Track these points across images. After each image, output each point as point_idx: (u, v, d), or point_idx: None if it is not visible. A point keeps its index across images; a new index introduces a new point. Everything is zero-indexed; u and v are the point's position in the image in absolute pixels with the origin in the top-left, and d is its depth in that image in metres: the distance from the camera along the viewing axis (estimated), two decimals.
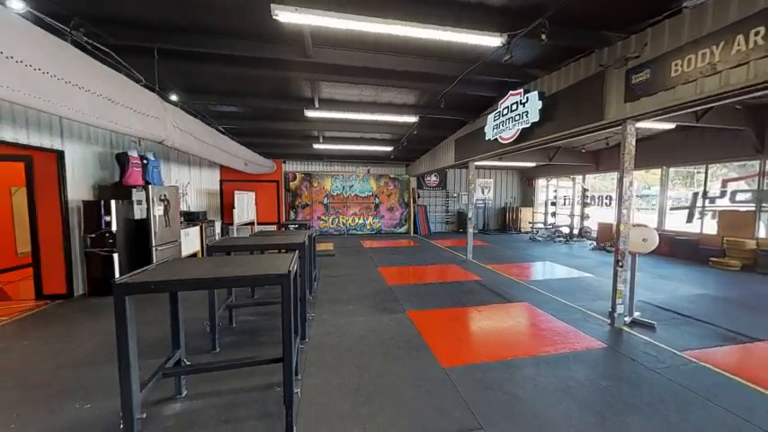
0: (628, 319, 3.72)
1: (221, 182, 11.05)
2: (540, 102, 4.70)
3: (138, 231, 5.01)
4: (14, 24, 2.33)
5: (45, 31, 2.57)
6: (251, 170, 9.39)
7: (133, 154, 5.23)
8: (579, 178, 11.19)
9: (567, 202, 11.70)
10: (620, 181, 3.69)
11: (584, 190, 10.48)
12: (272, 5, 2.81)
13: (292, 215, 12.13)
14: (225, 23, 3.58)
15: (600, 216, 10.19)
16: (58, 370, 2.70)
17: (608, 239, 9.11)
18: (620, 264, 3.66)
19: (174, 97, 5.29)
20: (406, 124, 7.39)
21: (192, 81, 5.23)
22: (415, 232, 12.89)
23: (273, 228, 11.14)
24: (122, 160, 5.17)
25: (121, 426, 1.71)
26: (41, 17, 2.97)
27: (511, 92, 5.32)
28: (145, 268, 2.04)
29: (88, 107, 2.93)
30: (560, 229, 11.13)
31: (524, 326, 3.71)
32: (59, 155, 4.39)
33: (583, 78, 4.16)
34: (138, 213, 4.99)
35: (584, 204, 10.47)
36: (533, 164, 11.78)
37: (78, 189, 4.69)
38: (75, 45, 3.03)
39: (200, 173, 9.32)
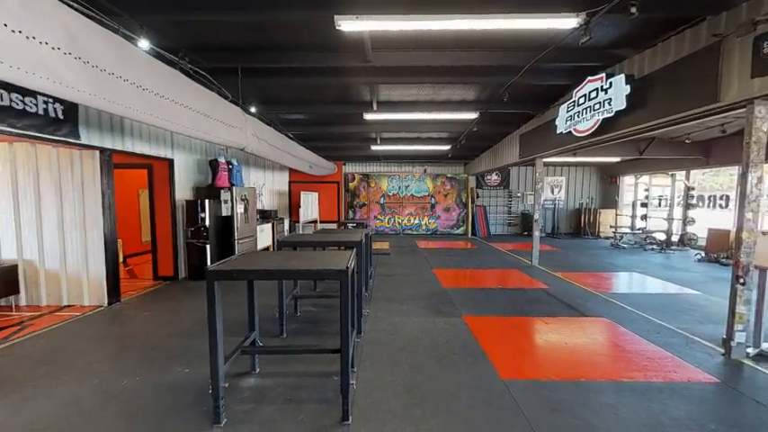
0: (751, 351, 2.96)
1: (290, 183, 12.19)
2: (628, 86, 4.03)
3: (225, 226, 5.84)
4: (142, 59, 2.93)
5: (161, 62, 3.17)
6: (315, 172, 10.14)
7: (222, 160, 6.12)
8: (681, 174, 9.30)
9: (663, 202, 9.84)
10: (744, 177, 2.94)
11: (689, 189, 8.67)
12: (335, 17, 2.99)
13: (350, 214, 12.72)
14: (296, 39, 3.93)
15: (710, 220, 8.32)
16: (168, 337, 3.32)
17: (722, 249, 7.37)
18: (742, 281, 2.93)
19: (252, 109, 6.02)
20: (465, 121, 7.10)
21: (267, 93, 5.88)
22: (473, 234, 12.32)
23: (334, 226, 11.85)
24: (213, 165, 6.09)
25: (210, 391, 2.02)
26: (160, 52, 3.68)
27: (589, 78, 4.69)
28: (228, 258, 2.37)
29: (190, 122, 3.53)
30: (653, 235, 9.42)
31: (602, 344, 3.25)
32: (170, 162, 5.38)
33: (688, 54, 3.44)
34: (225, 211, 5.82)
35: (688, 206, 8.67)
36: (617, 158, 10.17)
37: (182, 190, 5.68)
38: (182, 71, 3.68)
39: (272, 175, 10.43)
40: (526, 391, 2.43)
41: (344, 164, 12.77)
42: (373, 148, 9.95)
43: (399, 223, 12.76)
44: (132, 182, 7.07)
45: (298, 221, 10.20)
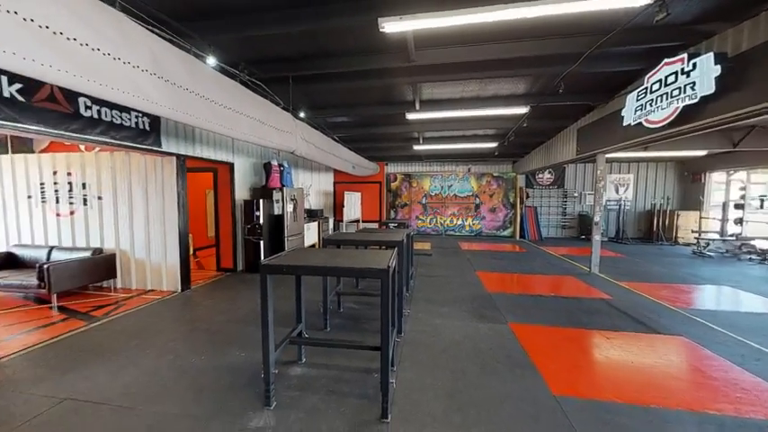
0: None
1: (334, 184, 12.69)
2: (719, 66, 3.43)
3: (276, 224, 6.30)
4: (209, 75, 3.29)
5: (224, 76, 3.53)
6: (358, 172, 10.41)
7: (274, 163, 6.60)
8: None
9: (766, 204, 8.16)
10: None
11: None
12: (378, 20, 3.04)
13: (392, 214, 12.80)
14: (342, 45, 4.07)
15: None
16: (227, 323, 3.69)
17: None
18: None
19: (301, 114, 6.40)
20: (513, 117, 6.69)
21: (314, 99, 6.19)
22: (522, 236, 11.55)
23: (375, 225, 12.05)
24: (267, 168, 6.61)
25: (262, 375, 2.20)
26: (224, 66, 4.11)
27: (666, 60, 4.08)
28: (279, 254, 2.55)
29: (248, 129, 3.88)
30: (751, 242, 7.87)
31: (679, 368, 2.81)
32: (231, 166, 5.97)
33: None
34: (277, 210, 6.28)
35: None
36: (703, 152, 8.69)
37: (240, 191, 6.26)
38: (241, 83, 4.06)
39: (318, 177, 10.97)
40: (582, 410, 2.21)
41: (387, 164, 12.89)
42: (416, 147, 9.88)
43: (442, 224, 12.49)
44: (201, 183, 7.99)
45: (341, 220, 10.59)
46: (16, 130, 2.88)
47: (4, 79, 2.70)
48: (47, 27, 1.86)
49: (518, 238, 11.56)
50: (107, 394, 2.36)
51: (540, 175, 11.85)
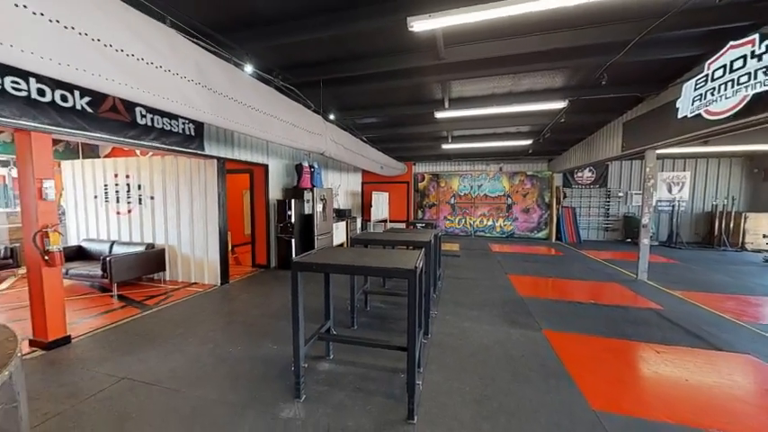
0: None
1: (362, 184, 12.86)
2: None
3: (307, 223, 6.52)
4: (247, 82, 3.49)
5: (260, 82, 3.72)
6: (386, 173, 10.46)
7: (305, 164, 6.84)
8: None
9: None
10: None
11: None
12: (407, 19, 3.02)
13: (419, 214, 12.69)
14: (372, 46, 4.11)
15: None
16: (261, 317, 3.89)
17: None
18: None
19: (331, 116, 6.56)
20: (550, 112, 6.33)
21: (344, 100, 6.31)
22: (559, 239, 10.89)
23: (402, 225, 12.02)
24: (298, 169, 6.86)
25: (292, 368, 2.29)
26: (259, 73, 4.33)
27: (732, 43, 3.63)
28: (309, 252, 2.64)
29: (282, 132, 4.05)
30: None
31: (745, 389, 2.49)
32: (266, 168, 6.28)
33: None
34: (307, 209, 6.49)
35: None
36: None
37: (274, 191, 6.56)
38: (276, 88, 4.25)
39: (347, 177, 11.18)
40: (626, 428, 2.04)
41: (414, 164, 12.81)
42: (444, 146, 9.71)
43: (471, 224, 12.15)
44: (238, 184, 8.49)
45: (369, 220, 10.70)
46: (86, 138, 3.27)
47: (77, 93, 3.07)
48: (110, 45, 2.09)
49: (554, 240, 10.92)
50: (157, 376, 2.59)
51: (580, 174, 11.09)
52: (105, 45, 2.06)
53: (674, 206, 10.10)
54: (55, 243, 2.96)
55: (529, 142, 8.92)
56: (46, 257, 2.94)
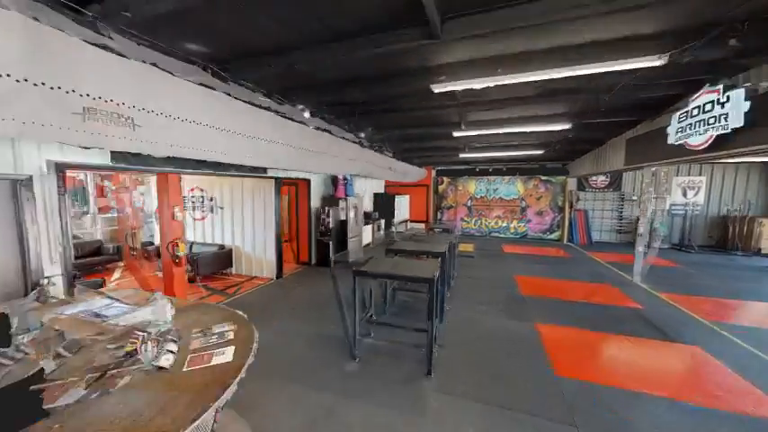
0: None
1: (385, 187, 13.90)
2: (748, 102, 3.69)
3: (341, 227, 7.70)
4: (309, 133, 4.64)
5: (310, 128, 4.85)
6: (407, 179, 11.46)
7: (340, 177, 7.99)
8: None
9: None
10: None
11: None
12: (431, 86, 4.01)
13: (438, 215, 13.61)
14: (401, 94, 5.11)
15: None
16: (317, 304, 5.11)
17: None
18: None
19: (362, 134, 7.61)
20: (557, 131, 7.06)
21: (372, 122, 7.33)
22: (571, 240, 11.49)
23: (422, 225, 13.01)
24: (334, 181, 8.03)
25: (352, 338, 3.45)
26: (311, 115, 5.45)
27: (707, 88, 4.31)
28: (343, 252, 3.78)
29: (330, 166, 5.23)
30: None
31: (676, 368, 3.38)
32: (308, 182, 7.49)
33: None
34: (342, 216, 7.67)
35: None
36: None
37: (314, 200, 7.78)
38: (321, 118, 5.37)
39: (372, 182, 12.25)
40: (574, 388, 3.03)
41: (434, 168, 13.65)
42: (462, 155, 10.54)
43: (486, 225, 12.95)
44: (283, 192, 9.82)
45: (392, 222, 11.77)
46: (198, 173, 4.55)
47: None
48: (229, 130, 3.27)
49: (565, 242, 11.53)
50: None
51: (594, 178, 11.54)
52: (223, 130, 3.24)
53: (686, 210, 10.41)
54: (182, 250, 4.28)
55: (541, 152, 9.58)
56: (176, 260, 4.27)
